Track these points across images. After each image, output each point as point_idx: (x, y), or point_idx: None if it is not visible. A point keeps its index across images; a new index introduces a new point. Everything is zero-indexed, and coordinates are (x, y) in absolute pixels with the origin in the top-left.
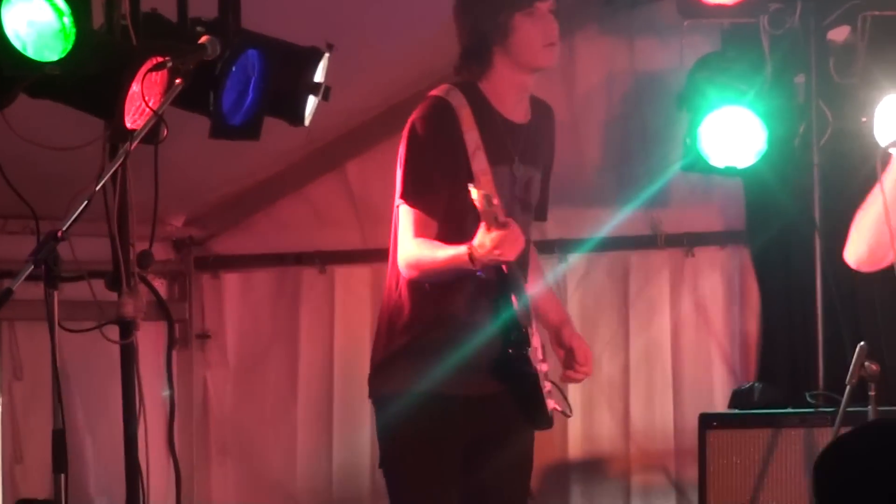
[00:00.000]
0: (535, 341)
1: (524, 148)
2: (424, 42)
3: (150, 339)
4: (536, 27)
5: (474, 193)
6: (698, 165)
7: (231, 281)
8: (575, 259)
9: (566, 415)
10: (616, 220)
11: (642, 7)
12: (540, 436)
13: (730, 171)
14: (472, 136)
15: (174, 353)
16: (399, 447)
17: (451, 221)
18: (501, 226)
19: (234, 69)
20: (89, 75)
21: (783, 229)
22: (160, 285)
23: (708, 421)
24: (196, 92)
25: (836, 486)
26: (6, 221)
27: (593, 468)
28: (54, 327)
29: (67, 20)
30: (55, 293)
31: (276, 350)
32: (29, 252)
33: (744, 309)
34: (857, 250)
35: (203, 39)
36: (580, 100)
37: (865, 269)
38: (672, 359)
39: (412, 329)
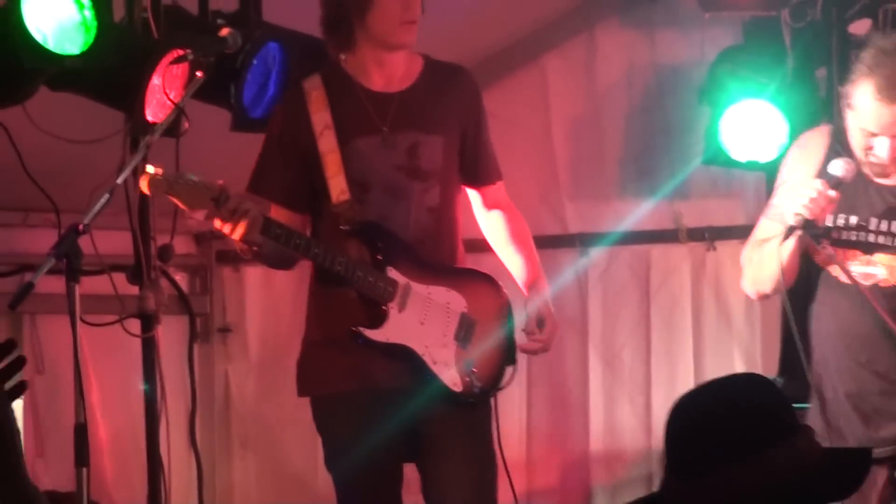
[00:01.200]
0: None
1: (397, 115)
2: (435, 32)
3: (171, 333)
4: (397, 2)
5: None
6: (720, 159)
7: (252, 275)
8: (596, 253)
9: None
10: (637, 214)
11: (663, 0)
12: (561, 429)
13: (751, 166)
14: (320, 118)
15: (195, 347)
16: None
17: (318, 207)
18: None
19: (254, 62)
20: (110, 68)
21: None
22: (181, 279)
23: None
24: (217, 85)
25: (677, 436)
26: (27, 214)
27: (615, 462)
28: (76, 321)
29: (88, 13)
30: (76, 287)
31: (297, 344)
32: (50, 246)
33: (765, 303)
34: (761, 289)
35: (224, 32)
36: (601, 93)
37: (766, 298)
38: (694, 353)
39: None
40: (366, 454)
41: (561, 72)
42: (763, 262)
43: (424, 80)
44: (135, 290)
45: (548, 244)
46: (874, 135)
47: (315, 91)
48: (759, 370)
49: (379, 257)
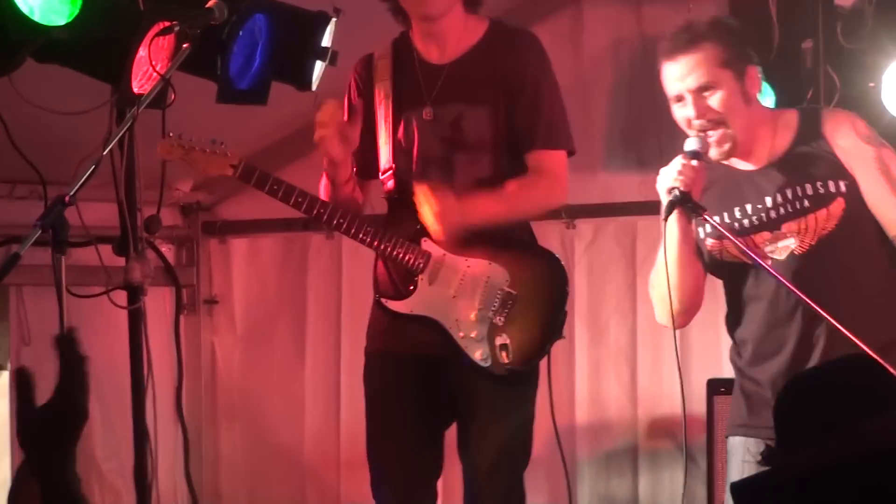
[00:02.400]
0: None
1: (443, 87)
2: None
3: (157, 305)
4: None
5: None
6: None
7: (239, 246)
8: (583, 225)
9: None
10: (624, 186)
11: None
12: (546, 400)
13: None
14: (382, 86)
15: (182, 319)
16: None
17: (396, 162)
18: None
19: (241, 33)
20: (96, 39)
21: None
22: (168, 251)
23: (716, 386)
24: (203, 56)
25: (794, 418)
26: (14, 186)
27: (601, 433)
28: (62, 292)
29: None
30: (62, 258)
31: (283, 315)
32: (36, 217)
33: None
34: (669, 312)
35: (210, 3)
36: (587, 64)
37: (685, 324)
38: None
39: None
40: (395, 412)
41: (547, 44)
42: (657, 283)
43: (480, 49)
44: (121, 261)
45: None
46: (680, 99)
47: (382, 60)
48: None
49: (417, 227)
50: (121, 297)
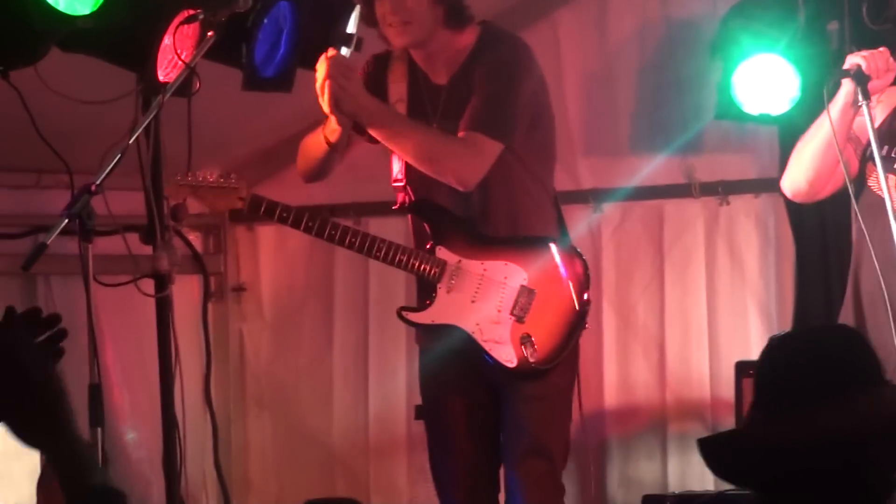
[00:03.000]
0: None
1: (445, 107)
2: None
3: (185, 293)
4: (383, 8)
5: None
6: (732, 113)
7: (266, 233)
8: (609, 208)
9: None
10: (650, 169)
11: None
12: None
13: (764, 119)
14: (397, 88)
15: (210, 307)
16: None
17: (407, 172)
18: None
19: (266, 21)
20: (121, 28)
21: None
22: (195, 238)
23: (744, 369)
24: (228, 44)
25: (771, 381)
26: (40, 176)
27: (629, 417)
28: (89, 281)
29: None
30: (89, 247)
31: (311, 302)
32: (63, 206)
33: (779, 256)
34: (796, 180)
35: None
36: (613, 49)
37: (801, 199)
38: (707, 307)
39: None
40: (441, 405)
41: (573, 28)
42: (803, 146)
43: (469, 63)
44: (148, 250)
45: (561, 200)
46: None
47: (398, 62)
48: (773, 324)
49: (430, 236)
50: (148, 285)
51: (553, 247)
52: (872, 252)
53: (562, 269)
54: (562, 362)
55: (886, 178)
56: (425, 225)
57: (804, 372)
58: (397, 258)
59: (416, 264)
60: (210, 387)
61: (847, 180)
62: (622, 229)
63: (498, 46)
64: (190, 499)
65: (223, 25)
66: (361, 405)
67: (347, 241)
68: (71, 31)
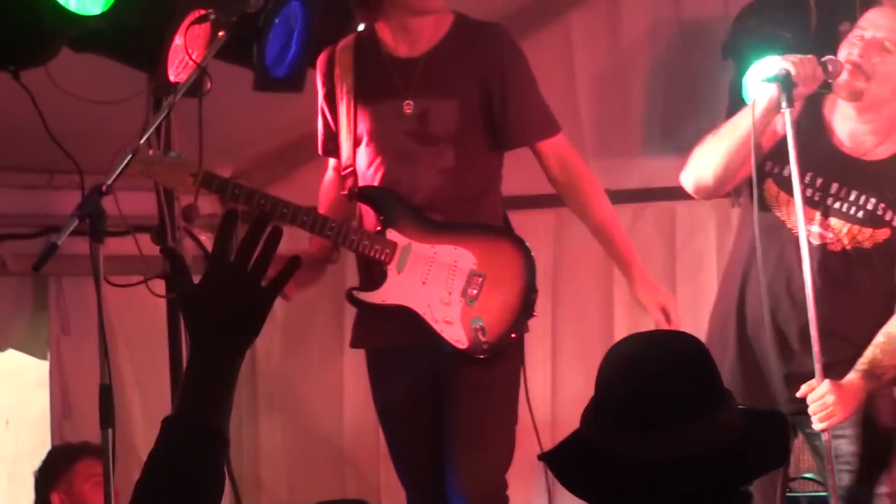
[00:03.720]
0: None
1: (421, 79)
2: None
3: None
4: None
5: None
6: None
7: None
8: (621, 210)
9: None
10: (662, 171)
11: None
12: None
13: None
14: (344, 80)
15: None
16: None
17: (356, 159)
18: None
19: (277, 21)
20: (132, 28)
21: None
22: (206, 239)
23: None
24: (239, 44)
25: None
26: (51, 176)
27: None
28: (100, 282)
29: None
30: (100, 247)
31: (321, 302)
32: (74, 207)
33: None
34: (702, 175)
35: None
36: (625, 50)
37: (703, 195)
38: None
39: None
40: (391, 405)
41: (585, 28)
42: (716, 143)
43: (449, 41)
44: (159, 250)
45: None
46: (852, 44)
47: (344, 54)
48: None
49: (381, 219)
50: (159, 286)
51: (501, 234)
52: (762, 275)
53: (510, 258)
54: (508, 356)
55: (787, 200)
56: (374, 209)
57: (671, 387)
58: (349, 239)
59: (368, 245)
60: None
61: (754, 183)
62: (634, 231)
63: (499, 39)
64: None
65: (234, 25)
66: (372, 407)
67: (300, 220)
68: (82, 31)
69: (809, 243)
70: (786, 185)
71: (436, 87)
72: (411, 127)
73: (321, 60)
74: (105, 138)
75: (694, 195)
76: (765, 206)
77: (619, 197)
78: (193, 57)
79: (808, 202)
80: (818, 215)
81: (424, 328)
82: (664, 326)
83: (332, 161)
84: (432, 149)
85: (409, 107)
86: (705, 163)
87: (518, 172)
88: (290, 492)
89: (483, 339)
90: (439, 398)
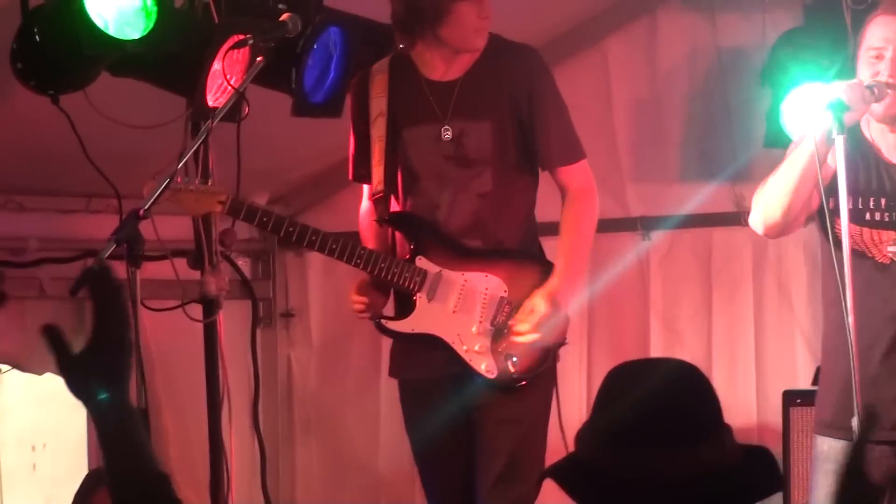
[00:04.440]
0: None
1: (458, 103)
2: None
3: (234, 318)
4: (473, 11)
5: None
6: (781, 141)
7: (315, 259)
8: (658, 236)
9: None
10: (699, 198)
11: None
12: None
13: None
14: (377, 104)
15: (258, 332)
16: None
17: (388, 184)
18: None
19: (315, 46)
20: (171, 53)
21: None
22: (244, 264)
23: (791, 398)
24: (278, 69)
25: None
26: (89, 200)
27: None
28: (137, 306)
29: None
30: (137, 272)
31: (359, 328)
32: (111, 231)
33: (843, 284)
34: (770, 215)
35: (284, 17)
36: (662, 76)
37: (774, 234)
38: (755, 336)
39: None
40: (423, 438)
41: (622, 55)
42: (779, 180)
43: (483, 63)
44: (196, 275)
45: (609, 227)
46: (878, 57)
47: (379, 76)
48: (819, 354)
49: (411, 247)
50: (196, 310)
51: (533, 260)
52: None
53: (541, 283)
54: (539, 386)
55: (861, 232)
56: (405, 236)
57: (659, 415)
58: (378, 267)
59: (397, 273)
60: (258, 412)
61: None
62: (671, 257)
63: (531, 62)
64: None
65: (273, 50)
66: None
67: (328, 248)
68: (121, 56)
69: (894, 262)
70: (854, 217)
71: (471, 109)
72: (449, 151)
73: (355, 82)
74: (143, 163)
75: (766, 236)
76: (838, 242)
77: (656, 223)
78: (232, 82)
79: (881, 225)
80: (894, 234)
81: (455, 357)
82: (520, 326)
83: (365, 188)
84: (469, 171)
85: (447, 132)
86: (771, 202)
87: (556, 198)
88: None
89: (513, 369)
90: (471, 430)
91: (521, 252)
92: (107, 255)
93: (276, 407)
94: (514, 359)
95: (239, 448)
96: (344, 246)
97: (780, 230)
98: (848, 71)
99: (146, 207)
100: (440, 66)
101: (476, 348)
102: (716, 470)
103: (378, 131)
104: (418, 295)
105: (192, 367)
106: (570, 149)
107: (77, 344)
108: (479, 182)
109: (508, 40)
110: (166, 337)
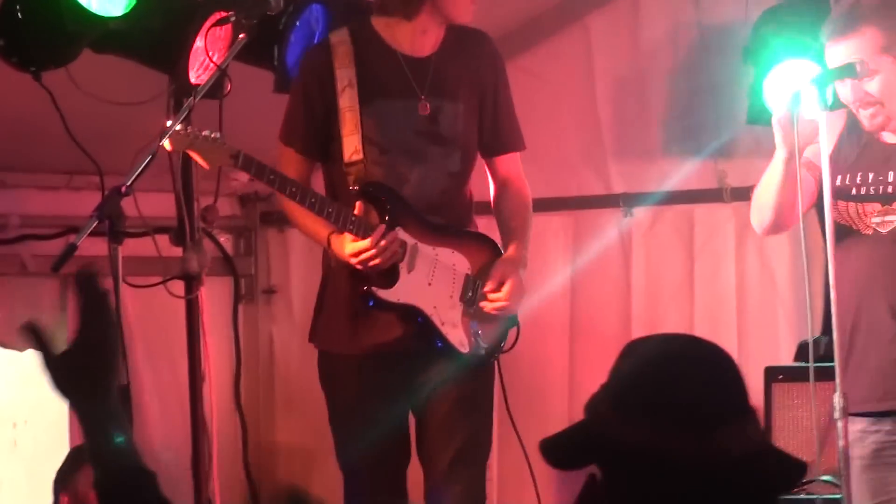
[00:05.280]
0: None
1: (434, 80)
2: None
3: (215, 295)
4: None
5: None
6: (763, 118)
7: (297, 236)
8: (640, 213)
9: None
10: (681, 174)
11: None
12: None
13: None
14: (344, 73)
15: (240, 309)
16: None
17: (332, 159)
18: (370, 241)
19: (298, 23)
20: (153, 30)
21: None
22: (226, 241)
23: (773, 374)
24: (260, 46)
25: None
26: (71, 177)
27: None
28: (118, 283)
29: None
30: (119, 248)
31: None
32: (93, 208)
33: (809, 261)
34: (763, 216)
35: None
36: (645, 53)
37: (775, 233)
38: (737, 312)
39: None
40: (368, 418)
41: (605, 31)
42: (765, 179)
43: (448, 45)
44: (178, 251)
45: (591, 204)
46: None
47: (342, 46)
48: (802, 329)
49: (387, 218)
50: (178, 287)
51: (489, 245)
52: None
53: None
54: (490, 372)
55: (847, 206)
56: (380, 207)
57: (683, 395)
58: (368, 234)
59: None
60: (240, 389)
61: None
62: (652, 234)
63: (492, 48)
64: (218, 500)
65: (255, 27)
66: None
67: (325, 212)
68: (103, 33)
69: (878, 233)
70: (840, 193)
71: (445, 88)
72: (424, 126)
73: (314, 52)
74: (125, 139)
75: (765, 235)
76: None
77: (638, 200)
78: (214, 59)
79: (868, 198)
80: (878, 205)
81: (431, 329)
82: (491, 296)
83: (294, 156)
84: (442, 150)
85: (424, 107)
86: (762, 204)
87: (538, 175)
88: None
89: (482, 342)
90: (423, 408)
91: (478, 234)
92: (89, 231)
93: (257, 383)
94: (480, 334)
95: (220, 424)
96: (339, 211)
97: (776, 228)
98: None
99: (128, 184)
100: (408, 41)
101: (451, 321)
102: (736, 457)
103: (347, 101)
104: (400, 265)
105: (174, 344)
106: (519, 136)
107: (59, 328)
108: (450, 161)
109: (461, 25)
110: (148, 313)
